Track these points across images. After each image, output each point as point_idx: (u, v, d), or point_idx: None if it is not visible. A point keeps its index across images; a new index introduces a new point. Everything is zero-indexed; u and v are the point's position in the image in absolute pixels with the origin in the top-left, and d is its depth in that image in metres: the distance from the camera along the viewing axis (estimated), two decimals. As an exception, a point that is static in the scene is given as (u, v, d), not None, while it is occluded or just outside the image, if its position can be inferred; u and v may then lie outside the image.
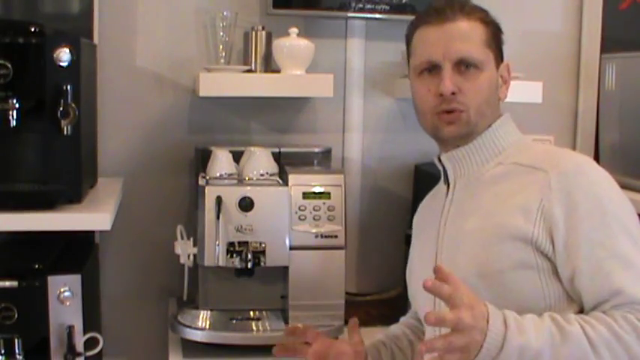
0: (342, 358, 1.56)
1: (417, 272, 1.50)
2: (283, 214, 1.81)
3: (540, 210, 1.27)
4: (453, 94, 1.37)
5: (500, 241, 1.29)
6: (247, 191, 1.79)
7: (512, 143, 1.43)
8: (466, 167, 1.43)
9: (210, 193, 1.78)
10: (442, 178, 1.50)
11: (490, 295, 1.27)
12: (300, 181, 1.84)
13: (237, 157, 1.94)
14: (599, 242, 1.25)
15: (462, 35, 1.39)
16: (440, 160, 1.49)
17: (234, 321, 1.85)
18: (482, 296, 1.27)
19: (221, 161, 1.90)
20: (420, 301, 1.47)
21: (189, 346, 1.83)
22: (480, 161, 1.42)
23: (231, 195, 1.78)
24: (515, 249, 1.28)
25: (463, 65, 1.38)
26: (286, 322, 1.83)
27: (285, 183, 1.84)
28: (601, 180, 1.32)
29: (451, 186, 1.46)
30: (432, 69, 1.40)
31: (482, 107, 1.40)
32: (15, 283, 1.62)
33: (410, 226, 1.73)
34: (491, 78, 1.41)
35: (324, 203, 1.83)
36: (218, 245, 1.75)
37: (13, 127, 1.61)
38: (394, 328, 1.67)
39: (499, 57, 1.44)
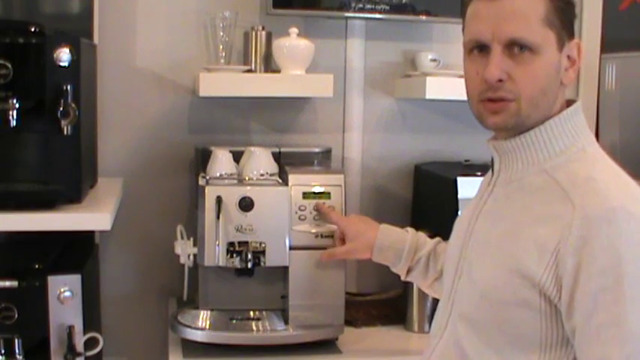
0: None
1: (449, 251, 1.44)
2: (283, 214, 1.81)
3: (555, 254, 1.14)
4: (500, 81, 1.21)
5: (509, 274, 1.19)
6: (247, 191, 1.79)
7: (568, 147, 1.24)
8: (511, 162, 1.28)
9: (210, 193, 1.77)
10: (491, 162, 1.36)
11: (487, 318, 1.24)
12: (300, 181, 1.84)
13: (237, 157, 1.94)
14: (604, 305, 1.11)
15: (516, 12, 1.20)
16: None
17: (234, 321, 1.85)
18: (479, 316, 1.25)
19: (221, 161, 1.90)
20: (447, 269, 1.43)
21: (189, 346, 1.83)
22: (525, 160, 1.26)
23: (231, 195, 1.78)
24: (522, 287, 1.18)
25: (516, 47, 1.20)
26: (286, 322, 1.83)
27: (285, 183, 1.84)
28: (630, 234, 1.12)
29: (495, 176, 1.32)
30: (482, 48, 1.23)
31: (537, 97, 1.22)
32: (15, 283, 1.62)
33: (410, 226, 1.74)
34: (550, 62, 1.21)
35: (324, 203, 1.83)
36: (218, 245, 1.75)
37: (13, 127, 1.61)
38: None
39: (565, 35, 1.23)
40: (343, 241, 1.78)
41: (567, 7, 1.24)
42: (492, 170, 1.34)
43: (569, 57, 1.25)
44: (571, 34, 1.25)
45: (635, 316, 1.11)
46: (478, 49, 1.25)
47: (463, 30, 1.29)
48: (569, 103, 1.29)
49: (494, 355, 1.23)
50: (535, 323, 1.19)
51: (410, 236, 1.67)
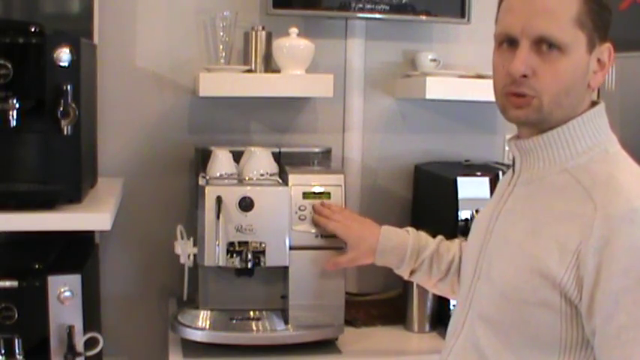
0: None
1: (467, 251, 1.44)
2: (283, 214, 1.80)
3: (576, 254, 1.14)
4: (525, 76, 1.21)
5: (530, 273, 1.19)
6: (247, 191, 1.79)
7: (590, 147, 1.24)
8: (532, 161, 1.28)
9: (210, 193, 1.77)
10: (512, 162, 1.36)
11: (506, 319, 1.23)
12: (300, 181, 1.84)
13: (237, 157, 1.94)
14: (625, 306, 1.10)
15: (548, 10, 1.20)
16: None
17: (234, 321, 1.85)
18: (498, 316, 1.25)
19: (221, 161, 1.90)
20: (465, 270, 1.42)
21: (189, 346, 1.83)
22: (547, 159, 1.25)
23: (231, 195, 1.78)
24: (542, 287, 1.17)
25: (544, 45, 1.20)
26: (286, 322, 1.83)
27: (285, 183, 1.84)
28: None
29: (515, 175, 1.32)
30: (512, 43, 1.23)
31: (560, 96, 1.22)
32: (15, 283, 1.62)
33: (410, 226, 1.74)
34: (577, 63, 1.21)
35: (322, 202, 1.83)
36: (218, 245, 1.75)
37: (13, 127, 1.61)
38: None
39: (596, 38, 1.22)
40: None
41: (602, 10, 1.23)
42: (513, 169, 1.34)
43: (599, 60, 1.24)
44: (603, 38, 1.24)
45: None
46: (508, 42, 1.25)
47: (496, 22, 1.29)
48: (593, 104, 1.28)
49: (512, 356, 1.23)
50: (555, 324, 1.18)
51: (411, 238, 1.67)
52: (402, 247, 1.66)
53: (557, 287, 1.16)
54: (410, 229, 1.70)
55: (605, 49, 1.24)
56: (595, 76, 1.24)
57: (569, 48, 1.20)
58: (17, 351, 1.63)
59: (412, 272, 1.67)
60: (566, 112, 1.24)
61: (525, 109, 1.24)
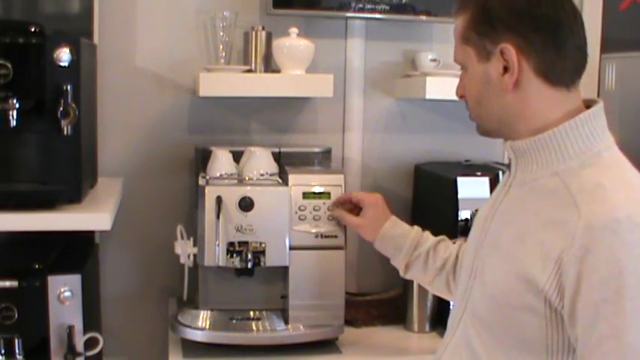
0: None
1: (466, 249, 1.46)
2: (283, 214, 1.81)
3: (558, 263, 1.14)
4: (462, 96, 1.35)
5: (516, 278, 1.20)
6: (247, 191, 1.79)
7: (583, 151, 1.22)
8: (526, 163, 1.28)
9: (210, 193, 1.77)
10: (508, 162, 1.38)
11: (495, 321, 1.24)
12: (300, 181, 1.84)
13: (237, 157, 1.94)
14: (605, 317, 1.10)
15: (454, 37, 1.33)
16: None
17: (234, 321, 1.85)
18: (489, 318, 1.26)
19: (221, 161, 1.90)
20: (463, 268, 1.43)
21: (189, 346, 1.83)
22: (540, 161, 1.25)
23: (231, 195, 1.78)
24: (528, 292, 1.18)
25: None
26: (286, 322, 1.83)
27: (285, 183, 1.84)
28: (634, 246, 1.10)
29: (511, 176, 1.33)
30: None
31: (475, 108, 1.32)
32: (15, 283, 1.62)
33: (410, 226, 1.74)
34: (473, 75, 1.29)
35: (324, 203, 1.83)
36: (218, 245, 1.75)
37: (13, 127, 1.61)
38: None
39: (487, 44, 1.25)
40: (352, 212, 1.81)
41: (487, 14, 1.25)
42: (509, 170, 1.34)
43: (507, 62, 1.24)
44: (498, 41, 1.24)
45: (635, 329, 1.09)
46: None
47: None
48: (589, 103, 1.28)
49: (502, 357, 1.24)
50: (541, 328, 1.18)
51: (414, 232, 1.70)
52: (403, 238, 1.69)
53: (540, 294, 1.16)
54: (416, 227, 1.72)
55: (505, 49, 1.23)
56: (503, 78, 1.25)
57: (465, 64, 1.31)
58: (17, 351, 1.63)
59: (407, 266, 1.68)
60: (497, 117, 1.29)
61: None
